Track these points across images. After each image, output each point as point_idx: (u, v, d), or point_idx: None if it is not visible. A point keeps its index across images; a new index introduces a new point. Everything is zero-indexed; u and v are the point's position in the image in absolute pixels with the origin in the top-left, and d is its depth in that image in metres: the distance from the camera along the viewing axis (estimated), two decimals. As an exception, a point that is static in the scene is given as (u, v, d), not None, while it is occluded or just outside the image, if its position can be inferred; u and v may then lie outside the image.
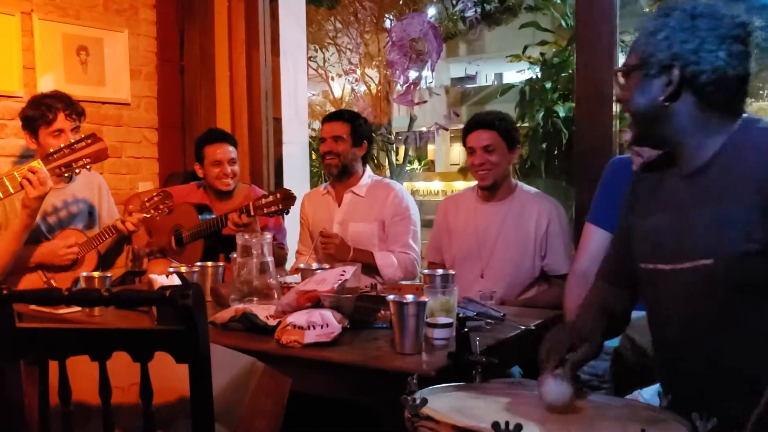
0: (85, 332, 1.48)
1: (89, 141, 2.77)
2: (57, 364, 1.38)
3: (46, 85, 3.81)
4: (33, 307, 2.40)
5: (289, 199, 3.02)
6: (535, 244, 2.92)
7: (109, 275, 2.52)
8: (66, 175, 2.78)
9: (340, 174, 3.36)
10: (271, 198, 3.05)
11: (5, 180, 2.70)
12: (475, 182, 3.10)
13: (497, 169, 2.92)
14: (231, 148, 3.47)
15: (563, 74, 9.73)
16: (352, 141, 3.34)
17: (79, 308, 2.43)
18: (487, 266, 2.95)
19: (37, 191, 2.72)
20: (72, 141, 2.76)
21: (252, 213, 3.04)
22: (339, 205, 3.40)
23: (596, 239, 2.51)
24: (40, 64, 3.80)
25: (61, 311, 2.41)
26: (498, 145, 2.90)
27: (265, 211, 3.03)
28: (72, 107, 3.05)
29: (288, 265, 3.60)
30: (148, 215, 3.08)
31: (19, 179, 2.70)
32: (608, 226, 2.47)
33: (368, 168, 3.47)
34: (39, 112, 3.00)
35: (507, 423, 1.16)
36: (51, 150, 2.79)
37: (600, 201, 2.56)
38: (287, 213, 3.08)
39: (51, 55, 3.85)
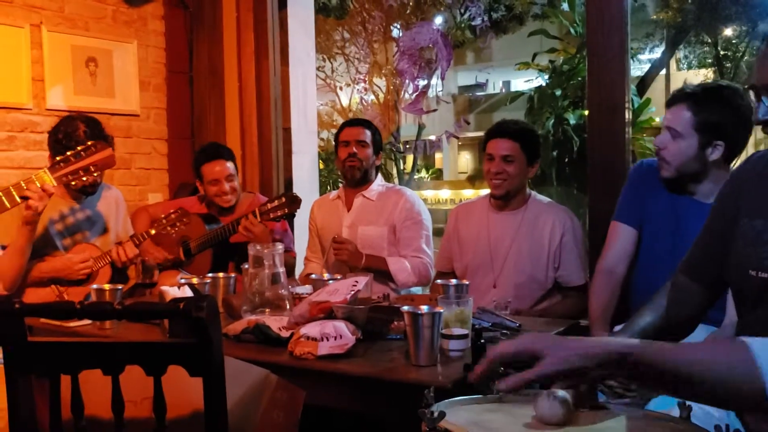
0: (98, 346, 1.47)
1: (95, 148, 2.75)
2: (69, 378, 1.37)
3: (55, 97, 3.81)
4: (44, 320, 2.38)
5: (294, 202, 3.00)
6: (549, 254, 2.87)
7: (120, 287, 2.50)
8: (73, 183, 2.76)
9: (360, 180, 3.37)
10: (276, 202, 3.03)
11: (3, 195, 2.67)
12: (487, 190, 3.07)
13: (513, 181, 2.88)
14: (228, 164, 3.40)
15: (572, 82, 9.74)
16: (373, 149, 3.37)
17: (90, 321, 2.41)
18: (499, 276, 2.91)
19: (42, 204, 2.70)
20: (79, 148, 2.74)
21: (258, 218, 3.03)
22: (348, 210, 3.39)
23: (623, 237, 2.51)
24: (50, 76, 3.80)
25: (73, 324, 2.40)
26: (518, 157, 2.86)
27: (272, 215, 3.01)
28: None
29: (297, 272, 3.59)
30: (164, 232, 3.06)
31: (17, 195, 2.67)
32: (634, 224, 2.51)
33: (380, 175, 3.48)
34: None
35: (527, 436, 1.13)
36: (58, 158, 2.77)
37: (626, 200, 2.56)
38: (293, 216, 3.06)
39: (60, 67, 3.85)
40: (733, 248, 1.59)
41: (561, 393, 1.38)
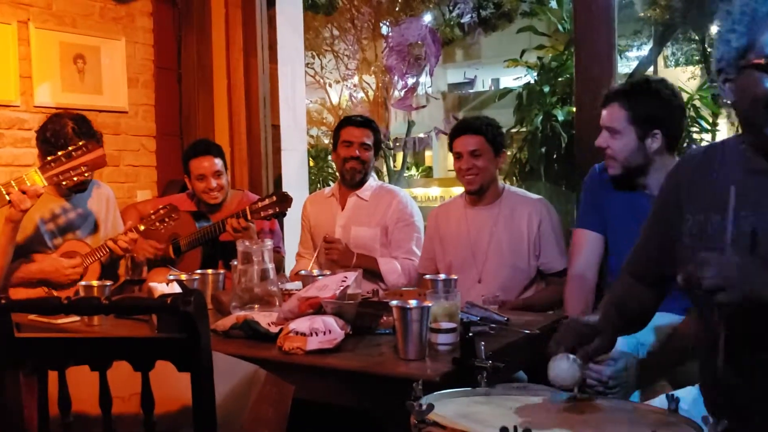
0: (85, 341, 1.46)
1: (86, 148, 2.74)
2: (56, 374, 1.36)
3: (43, 94, 3.79)
4: (32, 317, 2.38)
5: (285, 201, 2.99)
6: (529, 244, 2.92)
7: (108, 284, 2.50)
8: (64, 183, 2.75)
9: (360, 182, 3.36)
10: (267, 201, 3.02)
11: None
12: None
13: (484, 174, 2.93)
14: (216, 161, 3.39)
15: (561, 78, 9.78)
16: (374, 150, 3.37)
17: (78, 318, 2.40)
18: (483, 270, 2.94)
19: (29, 203, 2.68)
20: (70, 149, 2.73)
21: (249, 217, 3.02)
22: (342, 209, 3.38)
23: (589, 243, 2.57)
24: (37, 72, 3.78)
25: (60, 321, 2.39)
26: (484, 150, 2.91)
27: (262, 214, 3.00)
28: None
29: (288, 268, 3.58)
30: (153, 228, 3.05)
31: (5, 193, 2.65)
32: (598, 229, 2.57)
33: (373, 173, 3.48)
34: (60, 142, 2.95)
35: (516, 428, 1.14)
36: (49, 158, 2.76)
37: (586, 206, 2.64)
38: (284, 215, 3.06)
39: (48, 63, 3.83)
40: (679, 245, 1.61)
41: (573, 356, 1.41)
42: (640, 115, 2.37)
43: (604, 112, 2.46)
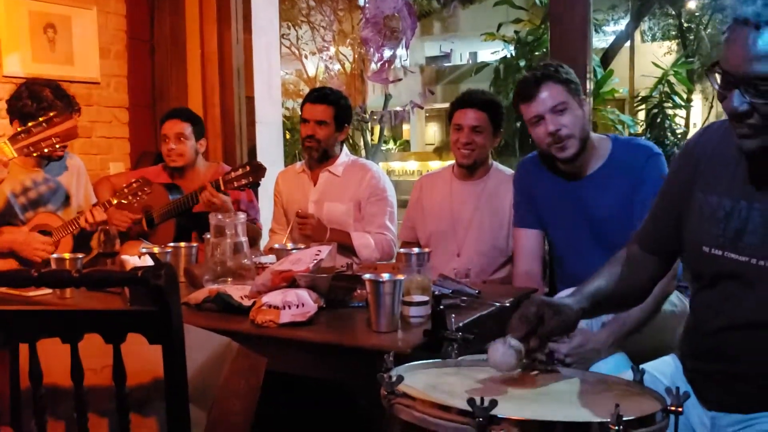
0: (56, 314, 1.46)
1: (59, 119, 2.71)
2: (27, 347, 1.36)
3: (12, 63, 3.73)
4: (2, 289, 2.36)
5: (259, 170, 2.95)
6: (510, 223, 2.92)
7: (80, 256, 2.48)
8: (35, 155, 2.72)
9: (320, 158, 3.32)
10: (240, 171, 2.98)
11: None
12: (451, 161, 3.10)
13: (481, 151, 2.93)
14: (184, 125, 3.37)
15: (537, 53, 9.80)
16: (335, 126, 3.27)
17: (49, 290, 2.39)
18: (462, 245, 2.96)
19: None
20: (41, 119, 2.69)
21: (222, 188, 3.00)
22: (315, 185, 3.36)
23: (528, 240, 2.60)
24: (6, 42, 3.72)
25: (31, 293, 2.37)
26: (486, 127, 2.91)
27: (236, 184, 2.97)
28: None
29: (262, 243, 3.57)
30: (126, 201, 3.03)
31: None
32: (535, 225, 2.59)
33: (345, 148, 3.44)
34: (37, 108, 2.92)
35: (482, 399, 1.15)
36: (19, 129, 2.73)
37: (520, 204, 2.65)
38: (258, 185, 3.04)
39: (17, 33, 3.76)
40: (687, 223, 1.60)
41: (514, 342, 1.42)
42: (574, 87, 2.38)
43: (541, 96, 2.36)
